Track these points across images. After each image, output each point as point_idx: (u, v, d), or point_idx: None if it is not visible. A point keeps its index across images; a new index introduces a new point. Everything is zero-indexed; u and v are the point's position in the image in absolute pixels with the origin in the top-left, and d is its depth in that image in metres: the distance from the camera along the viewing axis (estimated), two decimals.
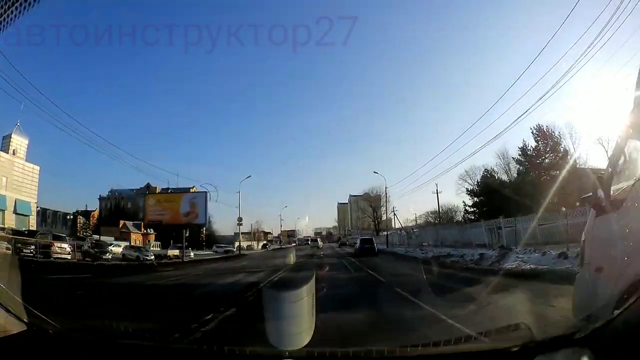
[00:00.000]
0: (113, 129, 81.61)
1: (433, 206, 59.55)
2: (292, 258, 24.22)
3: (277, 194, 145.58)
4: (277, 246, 74.80)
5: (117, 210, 62.35)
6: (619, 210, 2.27)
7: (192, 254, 34.35)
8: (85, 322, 4.00)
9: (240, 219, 41.11)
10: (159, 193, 35.37)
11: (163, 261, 27.57)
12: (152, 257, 27.11)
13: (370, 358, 2.19)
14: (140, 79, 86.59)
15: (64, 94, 69.99)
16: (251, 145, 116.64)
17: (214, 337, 4.54)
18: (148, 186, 59.17)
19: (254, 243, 72.63)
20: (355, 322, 5.45)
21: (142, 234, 55.33)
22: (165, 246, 45.12)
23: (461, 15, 78.62)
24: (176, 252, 32.57)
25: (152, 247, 50.54)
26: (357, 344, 3.86)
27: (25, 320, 2.17)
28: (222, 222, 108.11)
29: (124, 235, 50.22)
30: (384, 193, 40.37)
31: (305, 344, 2.38)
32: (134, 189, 62.24)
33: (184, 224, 34.14)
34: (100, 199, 68.15)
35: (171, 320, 5.50)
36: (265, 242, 76.60)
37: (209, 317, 5.66)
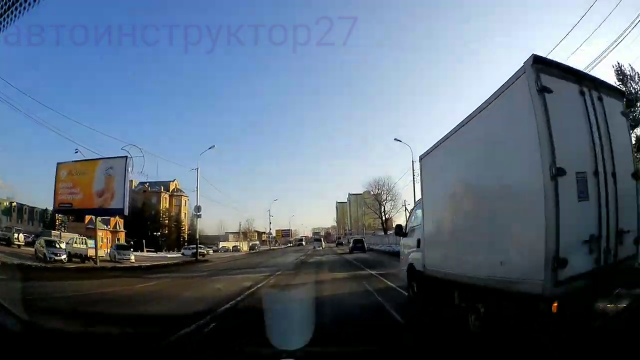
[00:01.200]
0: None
1: None
2: (263, 276, 13.17)
3: (273, 192, 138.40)
4: (269, 247, 64.06)
5: None
6: (406, 237, 7.63)
7: (132, 257, 24.33)
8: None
9: (198, 209, 28.23)
10: (72, 162, 22.18)
11: (75, 265, 19.36)
12: (63, 257, 19.45)
13: (370, 358, 2.38)
14: (140, 77, 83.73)
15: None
16: (248, 141, 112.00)
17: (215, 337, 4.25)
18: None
19: (242, 244, 63.40)
20: None
21: (110, 231, 47.01)
22: (137, 247, 39.87)
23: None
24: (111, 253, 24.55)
25: (77, 243, 38.73)
26: None
27: (25, 319, 2.18)
28: (210, 220, 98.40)
29: (89, 232, 41.69)
30: (411, 167, 27.03)
31: (305, 344, 2.40)
32: None
33: (96, 209, 21.43)
34: None
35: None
36: (254, 242, 65.74)
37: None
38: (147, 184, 54.49)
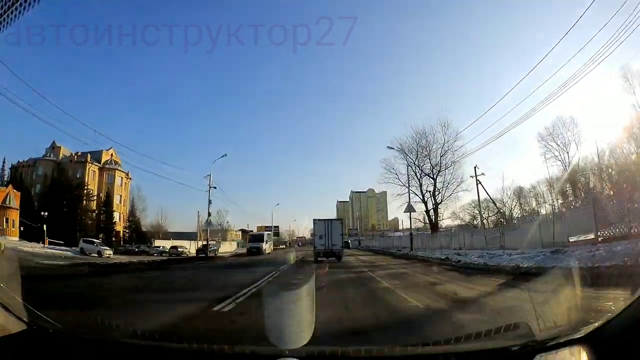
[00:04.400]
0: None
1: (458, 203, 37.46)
2: None
3: (272, 192, 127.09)
4: (205, 251, 36.59)
5: (16, 181, 43.65)
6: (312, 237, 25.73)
7: None
8: (86, 321, 3.85)
9: None
10: None
11: None
12: None
13: (370, 357, 2.19)
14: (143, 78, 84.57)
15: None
16: (245, 136, 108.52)
17: (214, 337, 4.32)
18: (53, 146, 46.74)
19: (193, 244, 44.32)
20: None
21: None
22: (28, 233, 34.01)
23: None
24: None
25: None
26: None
27: (25, 320, 2.08)
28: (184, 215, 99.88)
29: None
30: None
31: (305, 343, 2.37)
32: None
33: None
34: (12, 168, 48.81)
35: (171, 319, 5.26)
36: (204, 243, 40.71)
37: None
38: (79, 153, 46.23)
